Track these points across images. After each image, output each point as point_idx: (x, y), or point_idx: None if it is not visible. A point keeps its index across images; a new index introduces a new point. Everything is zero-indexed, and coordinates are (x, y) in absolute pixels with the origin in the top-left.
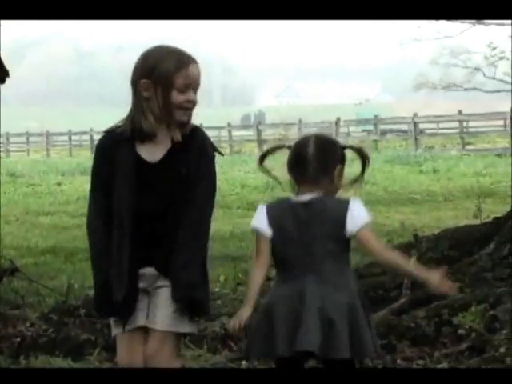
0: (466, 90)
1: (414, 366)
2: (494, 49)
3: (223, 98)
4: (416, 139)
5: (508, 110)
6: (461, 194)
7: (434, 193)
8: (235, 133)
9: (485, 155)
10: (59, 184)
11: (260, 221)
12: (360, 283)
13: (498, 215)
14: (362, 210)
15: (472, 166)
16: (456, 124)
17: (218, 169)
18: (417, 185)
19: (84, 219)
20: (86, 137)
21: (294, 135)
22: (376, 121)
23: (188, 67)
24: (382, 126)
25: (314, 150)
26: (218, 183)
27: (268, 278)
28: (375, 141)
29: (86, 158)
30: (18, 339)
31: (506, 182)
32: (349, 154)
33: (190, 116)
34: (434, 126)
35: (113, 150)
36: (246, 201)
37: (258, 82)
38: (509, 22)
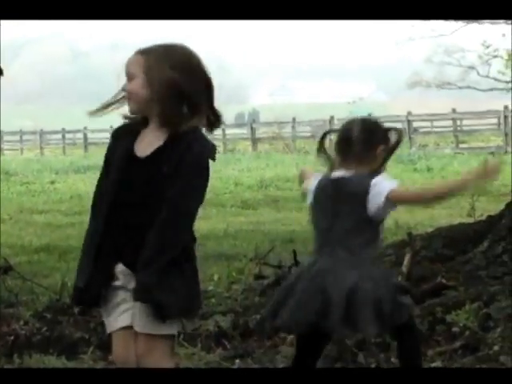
0: (460, 88)
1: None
2: (488, 47)
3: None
4: (410, 138)
5: (502, 108)
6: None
7: None
8: (229, 131)
9: (478, 153)
10: (53, 182)
11: (310, 187)
12: None
13: (492, 213)
14: (384, 182)
15: (466, 165)
16: (450, 122)
17: (211, 167)
18: (410, 183)
19: (77, 217)
20: (80, 135)
21: (287, 134)
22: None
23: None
24: None
25: (359, 131)
26: (212, 181)
27: (261, 277)
28: None
29: (80, 156)
30: (12, 338)
31: (499, 181)
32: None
33: (132, 107)
34: (427, 124)
35: (115, 141)
36: (239, 199)
37: (251, 80)
38: (502, 20)
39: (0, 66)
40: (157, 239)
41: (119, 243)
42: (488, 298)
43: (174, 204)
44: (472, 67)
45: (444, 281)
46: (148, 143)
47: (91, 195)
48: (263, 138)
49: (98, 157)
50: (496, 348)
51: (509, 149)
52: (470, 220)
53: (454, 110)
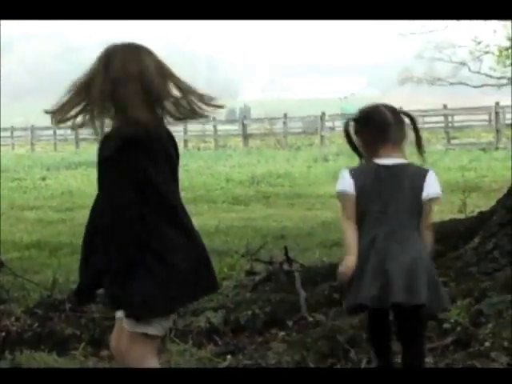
0: (451, 84)
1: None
2: (479, 43)
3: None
4: None
5: (493, 104)
6: (446, 189)
7: None
8: (220, 127)
9: (470, 149)
10: (44, 178)
11: (345, 182)
12: None
13: (483, 209)
14: (437, 183)
15: (457, 161)
16: (441, 118)
17: (202, 163)
18: None
19: (68, 214)
20: (69, 131)
21: (279, 130)
22: None
23: None
24: None
25: (392, 116)
26: (203, 178)
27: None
28: None
29: (71, 152)
30: (3, 334)
31: (490, 177)
32: (333, 148)
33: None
34: (419, 120)
35: None
36: (231, 195)
37: (243, 76)
38: None
39: None
40: (102, 246)
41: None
42: (479, 294)
43: (99, 209)
44: (463, 63)
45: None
46: None
47: (82, 191)
48: (254, 134)
49: (89, 153)
50: (487, 344)
51: (500, 145)
52: (461, 216)
53: (445, 106)
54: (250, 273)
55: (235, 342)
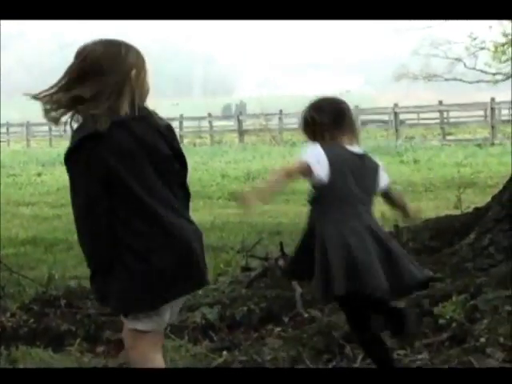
0: (446, 80)
1: (395, 356)
2: (475, 39)
3: (204, 89)
4: (397, 130)
5: (488, 100)
6: (441, 185)
7: (415, 183)
8: (216, 123)
9: (465, 145)
10: (39, 174)
11: (317, 155)
12: None
13: (479, 205)
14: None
15: (453, 157)
16: (437, 114)
17: (198, 159)
18: (397, 175)
19: (64, 210)
20: (67, 127)
21: (274, 126)
22: (357, 111)
23: None
24: (363, 117)
25: (348, 107)
26: (199, 174)
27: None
28: None
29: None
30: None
31: (486, 173)
32: None
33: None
34: (414, 116)
35: None
36: (226, 191)
37: (239, 72)
38: None
39: None
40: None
41: None
42: (475, 290)
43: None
44: (459, 59)
45: (431, 273)
46: None
47: None
48: (250, 130)
49: None
50: (483, 340)
51: (495, 141)
52: (457, 212)
53: (440, 102)
54: (246, 269)
55: (231, 338)
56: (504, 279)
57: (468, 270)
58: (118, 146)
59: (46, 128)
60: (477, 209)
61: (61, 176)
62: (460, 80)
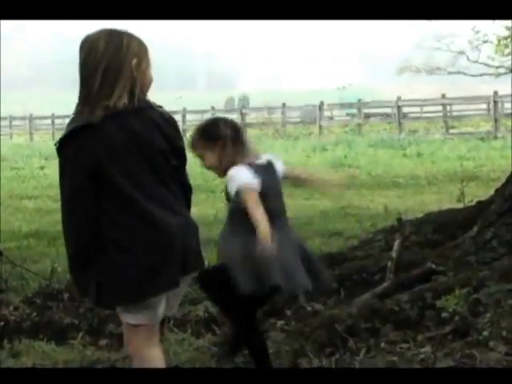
0: (449, 73)
1: (398, 349)
2: (478, 32)
3: (207, 82)
4: (400, 123)
5: (491, 93)
6: (444, 178)
7: (418, 176)
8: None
9: (468, 139)
10: (42, 168)
11: (249, 177)
12: (344, 267)
13: (482, 199)
14: None
15: (455, 150)
16: (439, 108)
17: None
18: (400, 169)
19: None
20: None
21: (277, 119)
22: (360, 104)
23: None
24: (366, 110)
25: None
26: (201, 167)
27: None
28: (359, 124)
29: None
30: (2, 323)
31: (489, 166)
32: (332, 138)
33: None
34: (417, 109)
35: None
36: None
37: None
38: None
39: None
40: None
41: None
42: (477, 284)
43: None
44: (462, 52)
45: (433, 266)
46: None
47: None
48: (253, 123)
49: None
50: (485, 333)
51: (498, 134)
52: (460, 205)
53: (443, 96)
54: None
55: None
56: (507, 273)
57: (471, 263)
58: (108, 139)
59: (48, 121)
60: (479, 202)
61: None
62: (463, 73)
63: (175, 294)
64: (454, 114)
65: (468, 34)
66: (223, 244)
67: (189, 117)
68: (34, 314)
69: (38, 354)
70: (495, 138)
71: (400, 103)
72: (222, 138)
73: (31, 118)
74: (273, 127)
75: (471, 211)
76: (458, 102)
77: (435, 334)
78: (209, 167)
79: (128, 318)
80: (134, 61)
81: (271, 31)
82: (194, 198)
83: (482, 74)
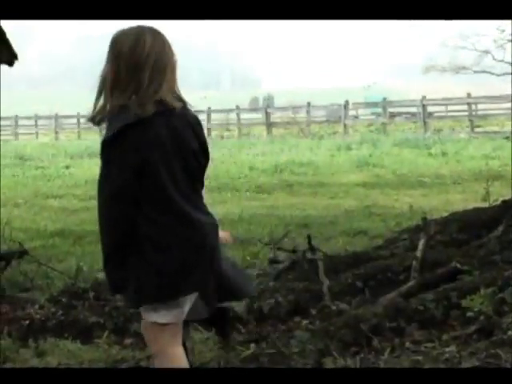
0: (475, 72)
1: (423, 349)
2: (503, 31)
3: (232, 81)
4: (425, 122)
5: None
6: (469, 177)
7: (443, 176)
8: (244, 116)
9: (493, 138)
10: (68, 167)
11: None
12: (368, 266)
13: (507, 198)
14: None
15: (481, 149)
16: (465, 107)
17: (226, 152)
18: (425, 168)
19: (92, 202)
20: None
21: (302, 118)
22: (385, 103)
23: None
24: (391, 109)
25: None
26: (226, 166)
27: (276, 261)
28: (384, 124)
29: (95, 140)
30: (27, 322)
31: None
32: (357, 137)
33: None
34: (442, 108)
35: None
36: (254, 184)
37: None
38: None
39: (14, 50)
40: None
41: None
42: (502, 283)
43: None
44: (487, 51)
45: (458, 265)
46: None
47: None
48: (278, 122)
49: None
50: (510, 333)
51: None
52: (485, 205)
53: (468, 95)
54: (274, 261)
55: (258, 331)
56: None
57: (496, 262)
58: (157, 137)
59: (74, 120)
60: (504, 201)
61: (89, 168)
62: (488, 72)
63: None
64: (480, 113)
65: (493, 33)
66: None
67: (214, 116)
68: (60, 312)
69: (63, 353)
70: None
71: (425, 102)
72: None
73: (57, 117)
74: (297, 126)
75: (496, 210)
76: (483, 101)
77: (460, 334)
78: None
79: (155, 317)
80: (173, 59)
81: (296, 30)
82: (219, 197)
83: (507, 73)
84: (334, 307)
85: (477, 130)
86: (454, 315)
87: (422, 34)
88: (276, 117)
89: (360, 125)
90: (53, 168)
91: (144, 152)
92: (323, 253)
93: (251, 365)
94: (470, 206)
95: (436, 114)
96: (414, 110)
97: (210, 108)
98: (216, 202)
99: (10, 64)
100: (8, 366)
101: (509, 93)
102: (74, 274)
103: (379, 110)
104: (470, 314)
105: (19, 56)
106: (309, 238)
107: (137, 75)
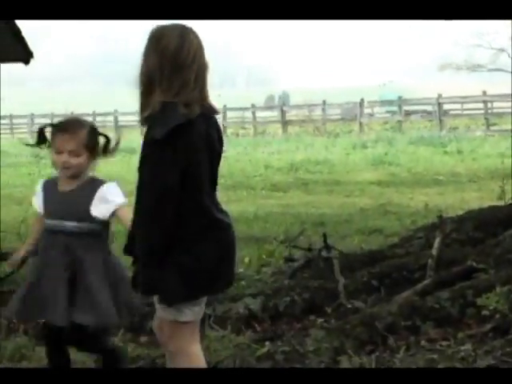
0: (490, 70)
1: (438, 347)
2: None
3: (247, 79)
4: (440, 120)
5: None
6: (485, 175)
7: (459, 174)
8: (259, 114)
9: (509, 136)
10: None
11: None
12: (384, 264)
13: None
14: None
15: (496, 147)
16: (480, 105)
17: (241, 150)
18: (441, 166)
19: None
20: (110, 118)
21: (317, 116)
22: (400, 102)
23: None
24: (406, 107)
25: None
26: (242, 164)
27: (291, 259)
28: (399, 122)
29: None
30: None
31: None
32: (372, 135)
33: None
34: (458, 106)
35: None
36: (269, 182)
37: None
38: None
39: (30, 49)
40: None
41: None
42: None
43: (137, 193)
44: (502, 49)
45: (474, 264)
46: None
47: (122, 178)
48: (293, 120)
49: (128, 140)
50: None
51: None
52: (501, 203)
53: (484, 93)
54: (289, 259)
55: (274, 329)
56: None
57: (511, 261)
58: (201, 139)
59: (90, 119)
60: None
61: (105, 167)
62: (504, 70)
63: None
64: (495, 111)
65: (509, 31)
66: None
67: (229, 114)
68: None
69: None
70: None
71: (441, 100)
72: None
73: (72, 116)
74: (313, 124)
75: None
76: (499, 99)
77: (476, 332)
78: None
79: (177, 316)
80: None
81: (312, 29)
82: (234, 195)
83: None
84: (349, 305)
85: (492, 128)
86: (470, 313)
87: (436, 33)
88: (291, 115)
89: (375, 123)
90: None
91: (190, 153)
92: (339, 251)
93: (266, 363)
94: (486, 204)
95: (452, 112)
96: (429, 108)
97: (225, 106)
98: (231, 200)
99: (26, 62)
100: (24, 364)
101: None
102: None
103: (395, 108)
104: (485, 312)
105: (35, 54)
106: (324, 236)
107: (181, 74)
